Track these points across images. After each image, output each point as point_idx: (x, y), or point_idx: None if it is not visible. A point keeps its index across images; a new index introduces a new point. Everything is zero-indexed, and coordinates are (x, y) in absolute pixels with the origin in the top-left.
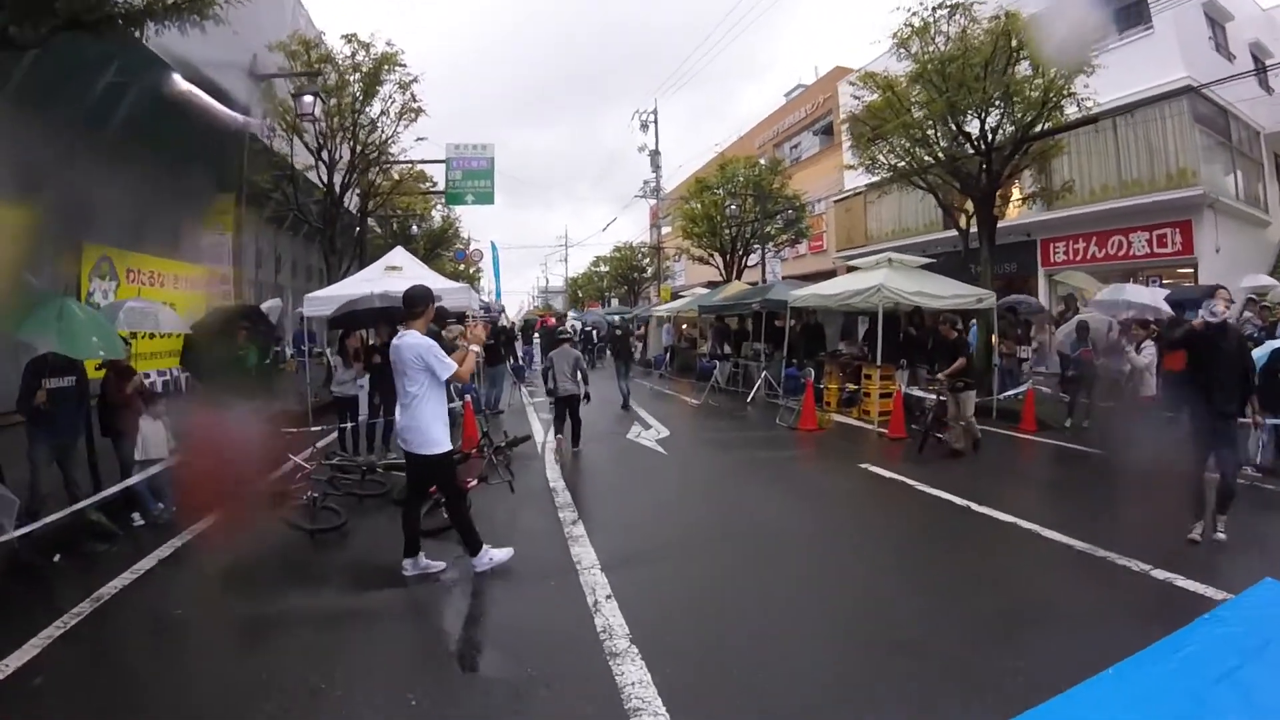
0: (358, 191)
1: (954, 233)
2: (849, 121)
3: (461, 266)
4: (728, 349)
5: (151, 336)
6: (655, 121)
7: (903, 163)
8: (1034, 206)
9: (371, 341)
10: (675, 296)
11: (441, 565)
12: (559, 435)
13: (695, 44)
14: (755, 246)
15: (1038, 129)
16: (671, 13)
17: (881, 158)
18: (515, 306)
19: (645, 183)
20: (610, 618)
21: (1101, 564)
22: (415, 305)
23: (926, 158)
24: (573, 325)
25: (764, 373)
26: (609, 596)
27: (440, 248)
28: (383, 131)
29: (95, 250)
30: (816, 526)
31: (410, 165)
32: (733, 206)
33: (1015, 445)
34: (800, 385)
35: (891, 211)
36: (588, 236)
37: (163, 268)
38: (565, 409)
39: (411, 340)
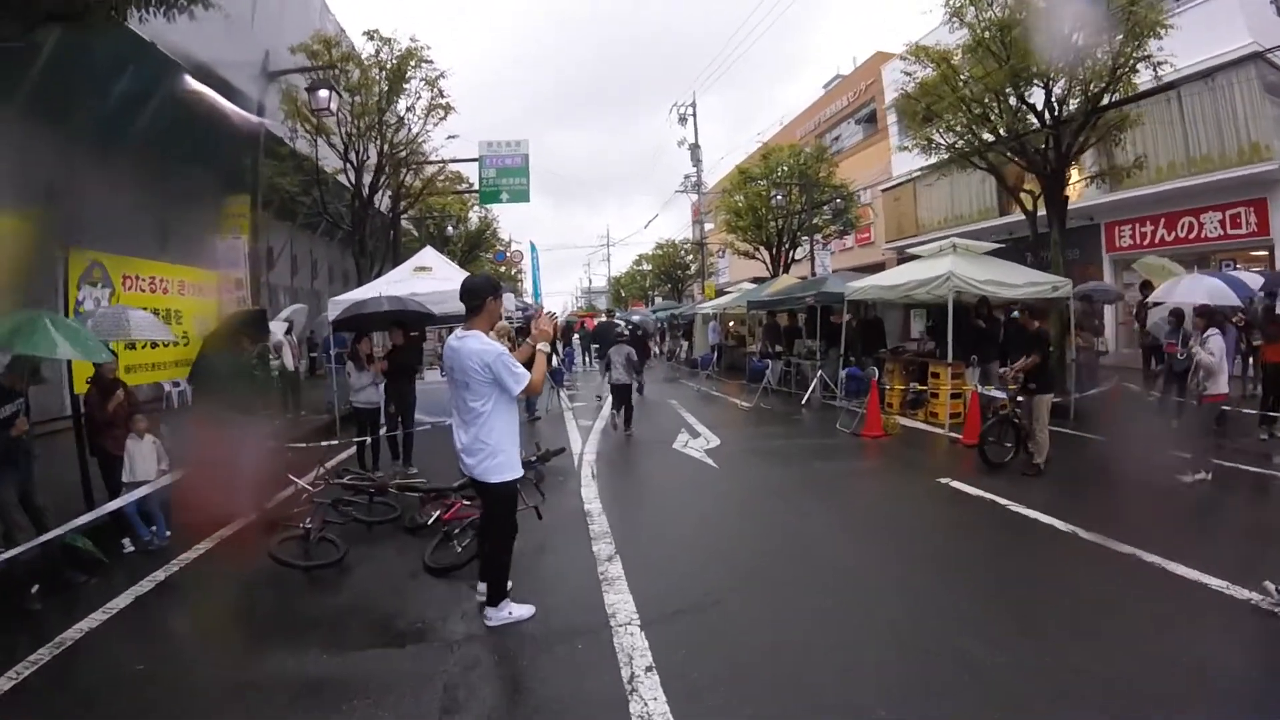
0: (389, 193)
1: (1011, 219)
2: (900, 100)
3: (502, 268)
4: (778, 347)
5: (141, 346)
6: (694, 114)
7: (961, 141)
8: (1102, 186)
9: (378, 350)
10: (720, 293)
11: (529, 610)
12: (615, 413)
13: (731, 39)
14: (803, 239)
15: (1108, 99)
16: (709, 13)
17: (938, 137)
18: (559, 307)
19: (686, 177)
20: (649, 701)
21: (1256, 612)
22: (475, 298)
23: (987, 135)
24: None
25: (819, 372)
26: (649, 668)
27: (478, 249)
28: (410, 129)
29: (83, 256)
30: (901, 564)
31: (442, 165)
32: (779, 197)
33: (1104, 453)
34: (863, 387)
35: (943, 199)
36: (629, 235)
37: (165, 273)
38: (620, 396)
39: (475, 346)
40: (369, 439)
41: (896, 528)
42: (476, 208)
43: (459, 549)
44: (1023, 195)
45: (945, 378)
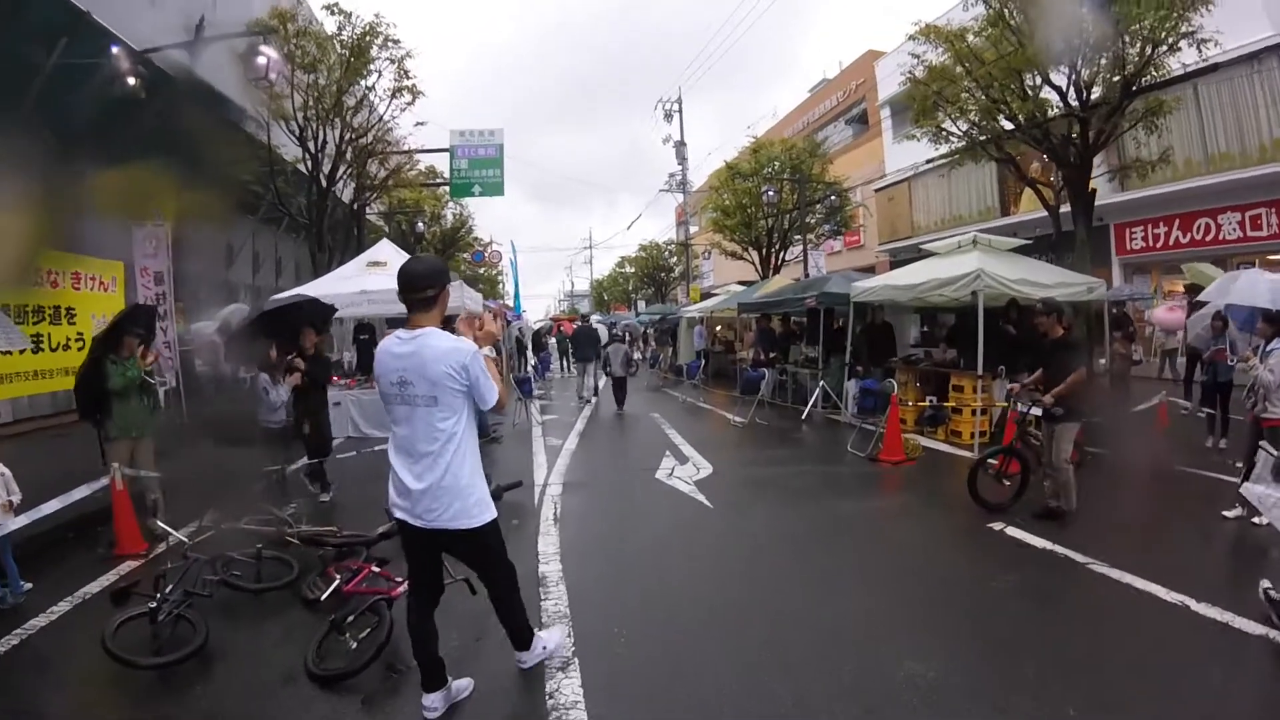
0: (352, 183)
1: (1015, 219)
2: (907, 86)
3: (481, 269)
4: (772, 354)
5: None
6: (680, 110)
7: (975, 129)
8: (1113, 181)
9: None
10: (705, 297)
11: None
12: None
13: (719, 32)
14: (795, 239)
15: (1144, 80)
16: (698, 9)
17: (949, 125)
18: (541, 311)
19: (671, 175)
20: None
21: None
22: (426, 285)
23: (1005, 122)
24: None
25: (820, 383)
26: None
27: (453, 248)
28: (371, 112)
29: None
30: (983, 666)
31: (408, 154)
32: (770, 193)
33: (1172, 482)
34: (879, 403)
35: (940, 199)
36: (611, 236)
37: (55, 264)
38: (618, 385)
39: (444, 345)
40: (281, 468)
41: (959, 607)
42: (451, 204)
43: (354, 644)
44: (1043, 190)
45: (970, 391)
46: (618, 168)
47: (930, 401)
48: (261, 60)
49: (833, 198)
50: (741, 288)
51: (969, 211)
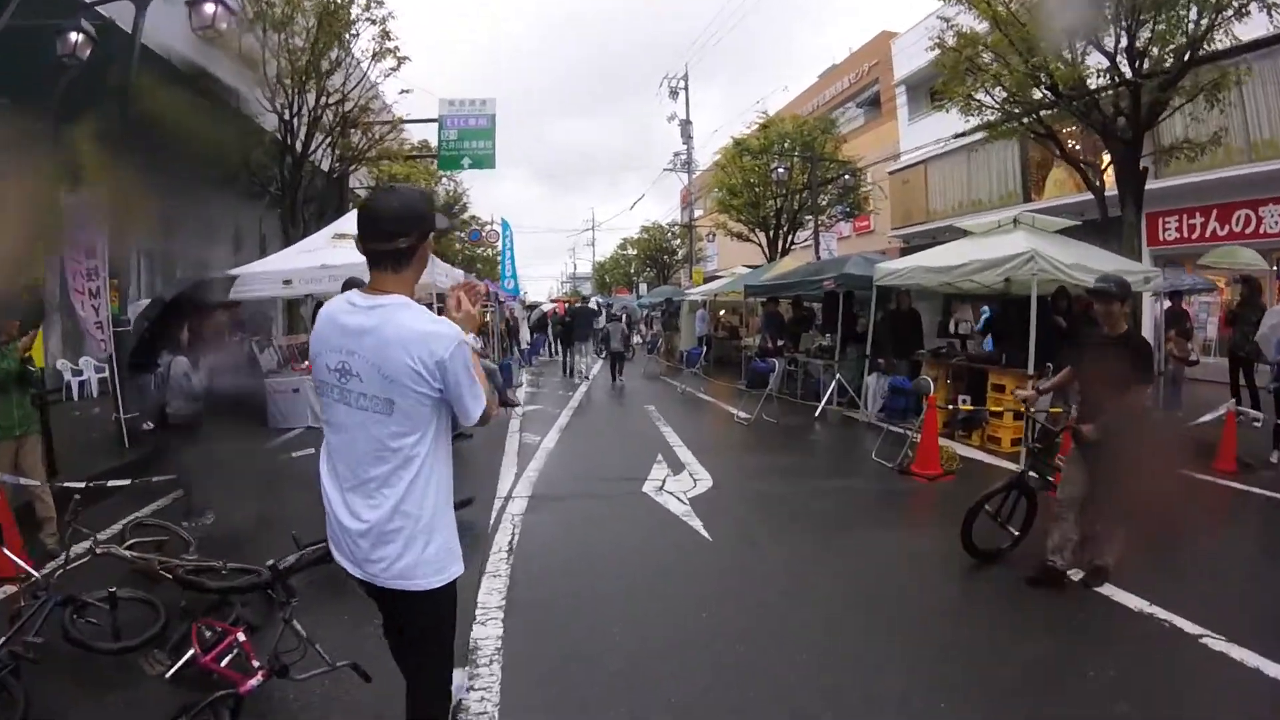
0: (335, 152)
1: (1039, 204)
2: (938, 48)
3: (478, 249)
4: (780, 342)
5: None
6: (685, 87)
7: (1011, 100)
8: (1153, 165)
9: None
10: (708, 281)
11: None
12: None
13: (723, 18)
14: (805, 220)
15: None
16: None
17: (984, 97)
18: (544, 294)
19: (676, 155)
20: None
21: None
22: (390, 230)
23: (1045, 93)
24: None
25: (836, 376)
26: None
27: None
28: (348, 77)
29: None
30: None
31: (392, 124)
32: (780, 170)
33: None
34: (911, 405)
35: (958, 182)
36: (613, 216)
37: None
38: (616, 358)
39: (417, 325)
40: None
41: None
42: (445, 180)
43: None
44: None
45: (1025, 392)
46: (624, 150)
47: (963, 401)
48: (209, 7)
49: (846, 177)
50: (748, 270)
51: (989, 196)
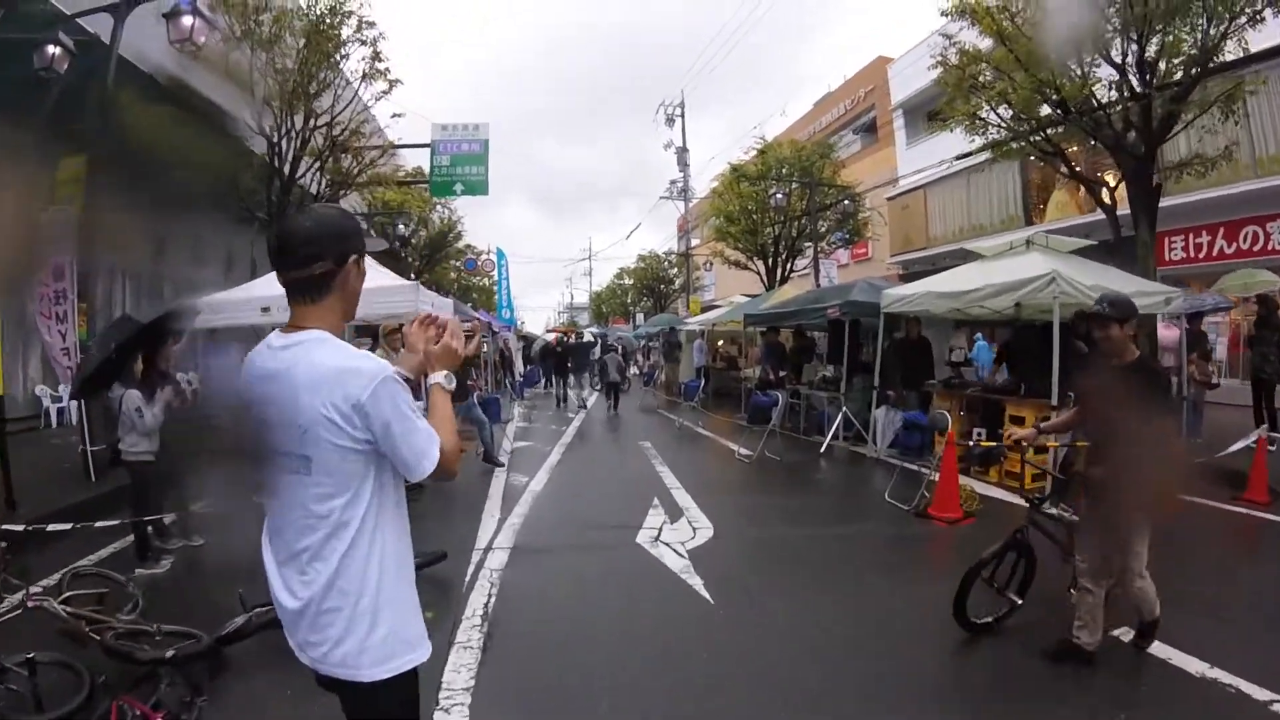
0: (326, 177)
1: (1041, 228)
2: (941, 68)
3: (475, 278)
4: (782, 373)
5: None
6: (682, 115)
7: (1018, 118)
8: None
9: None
10: (705, 310)
11: None
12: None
13: (717, 45)
14: (804, 248)
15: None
16: (703, 24)
17: (989, 114)
18: (541, 324)
19: (672, 183)
20: None
21: None
22: (302, 254)
23: (1053, 110)
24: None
25: (843, 410)
26: None
27: (439, 254)
28: (337, 98)
29: None
30: None
31: (381, 150)
32: (779, 195)
33: None
34: (925, 441)
35: (958, 207)
36: (610, 245)
37: None
38: (612, 390)
39: (324, 362)
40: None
41: None
42: (440, 207)
43: None
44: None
45: (1032, 424)
46: (621, 177)
47: (978, 435)
48: (186, 20)
49: (846, 202)
50: (746, 299)
51: (990, 220)
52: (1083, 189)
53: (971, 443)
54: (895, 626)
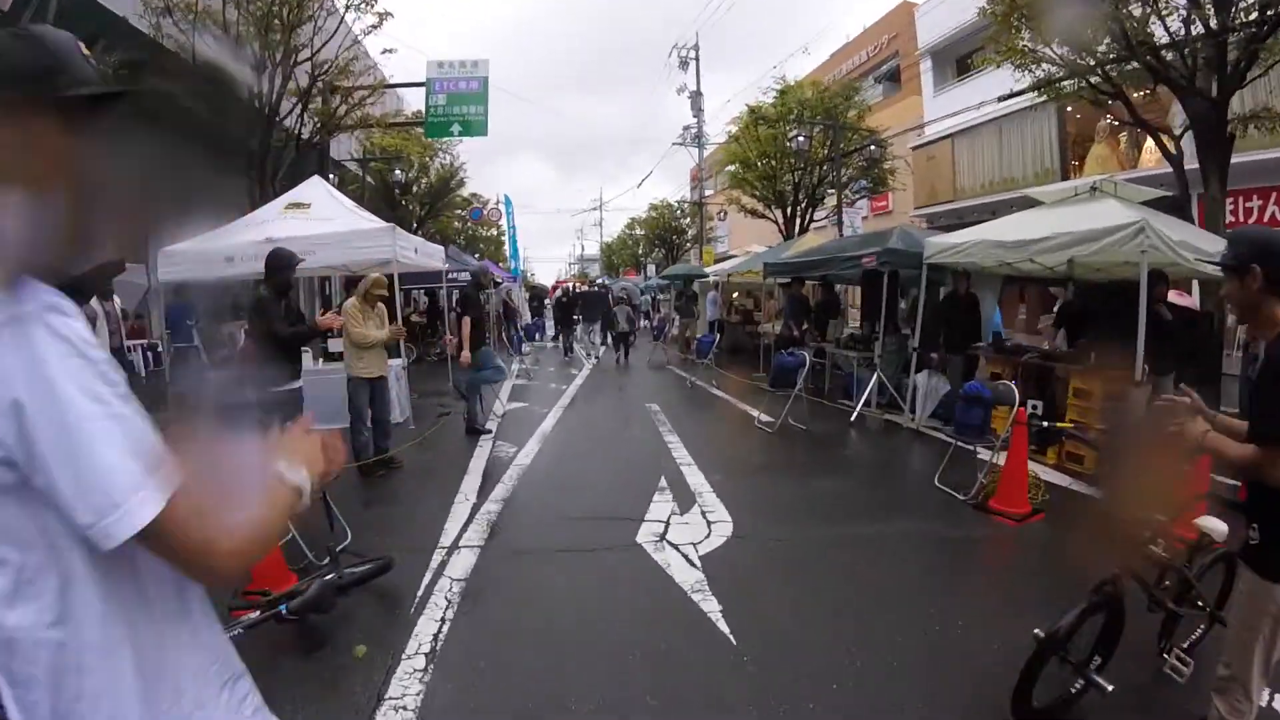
0: (317, 123)
1: (1079, 183)
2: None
3: (482, 229)
4: (805, 327)
5: None
6: (696, 58)
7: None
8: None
9: None
10: (719, 262)
11: None
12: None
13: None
14: (828, 194)
15: None
16: None
17: (1045, 49)
18: (552, 275)
19: (685, 129)
20: None
21: None
22: None
23: (1109, 49)
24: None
25: (877, 373)
26: None
27: (441, 202)
28: (318, 29)
29: None
30: None
31: (371, 89)
32: (800, 138)
33: None
34: (981, 418)
35: (989, 158)
36: (620, 194)
37: None
38: (621, 341)
39: None
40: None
41: None
42: (441, 153)
43: None
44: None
45: (1098, 398)
46: (634, 129)
47: (1033, 408)
48: None
49: (872, 147)
50: (764, 250)
51: (1023, 174)
52: (1123, 142)
53: (1046, 422)
54: (977, 675)
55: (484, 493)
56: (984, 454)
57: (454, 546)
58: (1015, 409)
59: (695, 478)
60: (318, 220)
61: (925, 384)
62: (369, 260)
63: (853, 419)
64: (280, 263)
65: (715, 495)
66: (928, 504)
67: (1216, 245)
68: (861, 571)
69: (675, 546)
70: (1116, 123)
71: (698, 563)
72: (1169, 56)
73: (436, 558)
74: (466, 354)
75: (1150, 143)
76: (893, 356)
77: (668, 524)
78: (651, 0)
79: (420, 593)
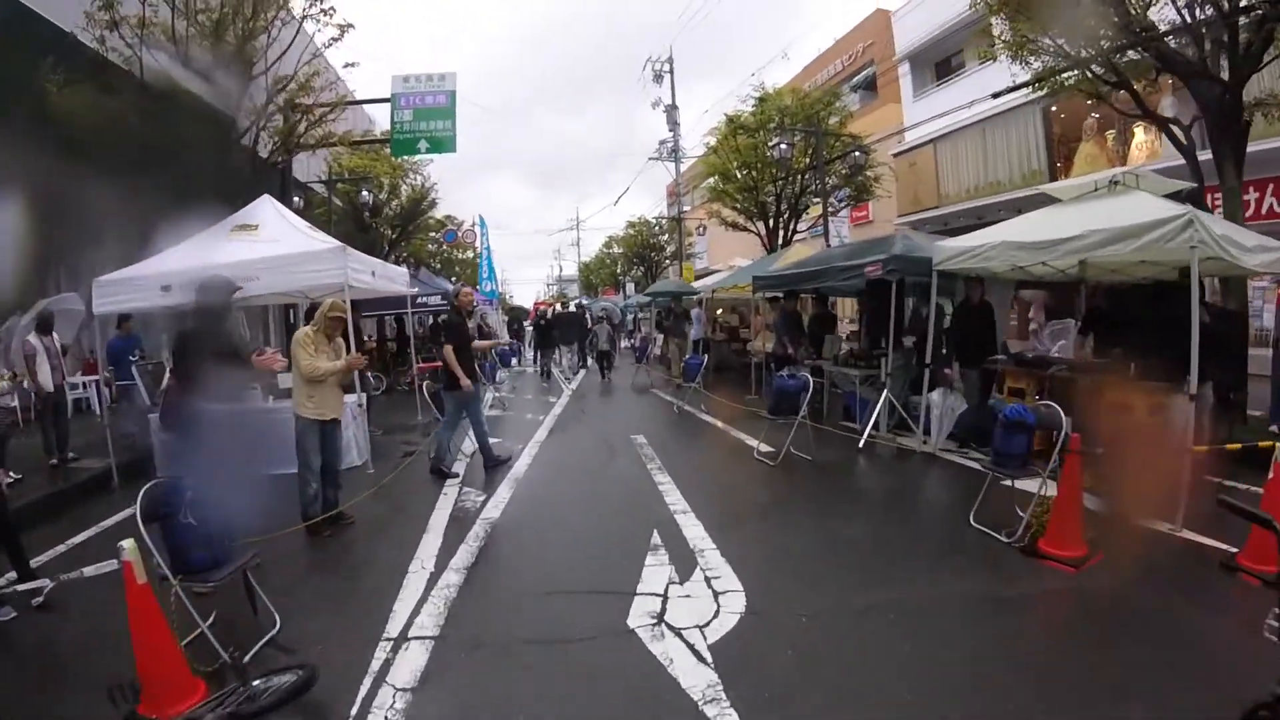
0: (276, 142)
1: (1067, 184)
2: None
3: (458, 251)
4: (799, 347)
5: None
6: (671, 71)
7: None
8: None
9: None
10: (700, 279)
11: None
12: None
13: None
14: (807, 205)
15: None
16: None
17: (1046, 39)
18: (530, 298)
19: (661, 143)
20: None
21: None
22: None
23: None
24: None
25: (885, 394)
26: None
27: (414, 225)
28: (272, 38)
29: None
30: None
31: (331, 107)
32: (783, 146)
33: None
34: (1025, 446)
35: (973, 163)
36: (597, 212)
37: None
38: (603, 356)
39: None
40: None
41: None
42: (411, 174)
43: None
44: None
45: (1142, 413)
46: (610, 149)
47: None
48: None
49: (856, 154)
50: (748, 264)
51: (1009, 176)
52: (1110, 139)
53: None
54: None
55: (444, 559)
56: (1023, 485)
57: (402, 637)
58: (1066, 434)
59: (693, 529)
60: (265, 242)
61: (941, 403)
62: (318, 285)
63: (861, 445)
64: (211, 292)
65: (719, 554)
66: (969, 550)
67: (1253, 240)
68: (913, 657)
69: (678, 632)
70: (1103, 119)
71: (707, 656)
72: (1178, 42)
73: (380, 655)
74: (467, 381)
75: (1139, 138)
76: (900, 373)
77: (665, 598)
78: (625, 12)
79: (354, 712)
